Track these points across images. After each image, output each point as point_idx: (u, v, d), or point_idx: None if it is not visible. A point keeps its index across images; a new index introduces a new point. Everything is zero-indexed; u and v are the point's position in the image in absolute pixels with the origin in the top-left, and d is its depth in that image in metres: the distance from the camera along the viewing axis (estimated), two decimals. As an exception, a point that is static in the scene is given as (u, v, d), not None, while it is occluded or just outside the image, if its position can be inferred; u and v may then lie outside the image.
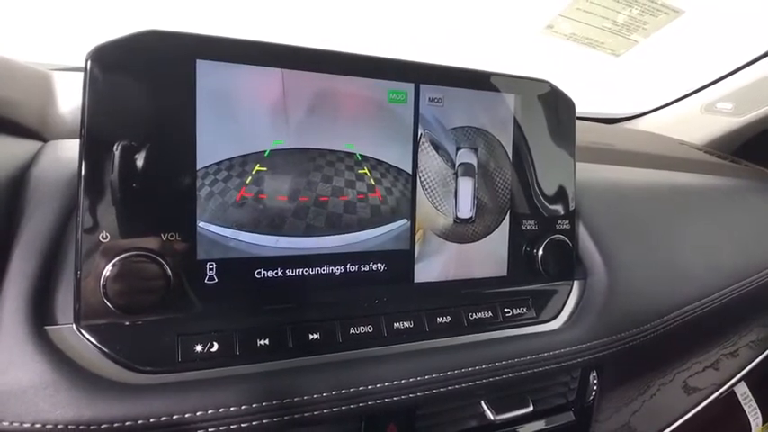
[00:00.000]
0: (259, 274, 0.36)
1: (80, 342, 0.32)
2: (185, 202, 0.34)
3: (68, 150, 0.38)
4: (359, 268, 0.40)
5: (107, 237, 0.32)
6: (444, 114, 0.43)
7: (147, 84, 0.33)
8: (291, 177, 0.37)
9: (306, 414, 0.36)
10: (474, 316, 0.45)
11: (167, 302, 0.33)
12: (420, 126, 0.41)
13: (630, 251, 0.55)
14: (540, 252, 0.47)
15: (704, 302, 0.61)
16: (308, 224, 0.38)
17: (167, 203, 0.33)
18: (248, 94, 0.35)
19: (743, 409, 0.94)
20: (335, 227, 0.39)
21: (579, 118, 0.51)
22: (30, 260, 0.32)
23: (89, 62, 0.31)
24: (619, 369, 0.55)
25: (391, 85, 0.40)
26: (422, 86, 0.41)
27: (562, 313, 0.50)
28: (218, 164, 0.35)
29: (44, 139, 0.41)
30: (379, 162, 0.40)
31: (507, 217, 0.46)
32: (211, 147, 0.34)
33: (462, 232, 0.44)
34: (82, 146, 0.31)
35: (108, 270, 0.31)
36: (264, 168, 0.36)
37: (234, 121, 0.35)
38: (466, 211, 0.44)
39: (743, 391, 0.94)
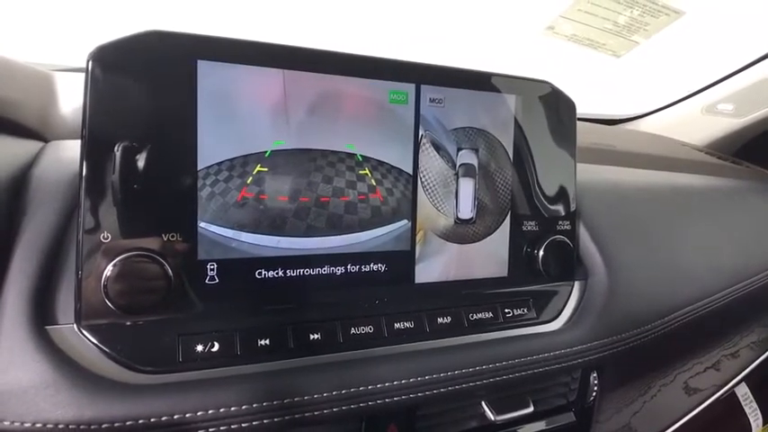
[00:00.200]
0: (260, 274, 0.36)
1: (81, 342, 0.32)
2: (186, 202, 0.34)
3: (69, 151, 0.38)
4: (360, 269, 0.40)
5: (108, 237, 0.32)
6: (445, 115, 0.43)
7: (148, 84, 0.33)
8: (292, 178, 0.37)
9: (306, 414, 0.36)
10: (475, 316, 0.45)
11: (168, 302, 0.33)
12: (421, 127, 0.41)
13: (631, 252, 0.55)
14: (541, 253, 0.47)
15: (705, 303, 0.61)
16: (309, 224, 0.38)
17: (168, 204, 0.33)
18: (249, 95, 0.35)
19: (743, 410, 0.94)
20: (336, 227, 0.39)
21: (580, 119, 0.51)
22: (31, 260, 0.32)
23: (90, 62, 0.31)
24: (619, 370, 0.55)
25: (392, 85, 0.40)
26: (423, 87, 0.41)
27: (563, 314, 0.50)
28: (219, 164, 0.35)
29: (45, 140, 0.41)
30: (380, 163, 0.40)
31: (508, 218, 0.46)
32: (212, 147, 0.34)
33: (463, 233, 0.44)
34: (83, 146, 0.31)
35: (109, 270, 0.31)
36: (265, 169, 0.36)
37: (235, 121, 0.35)
38: (467, 211, 0.44)
39: (743, 392, 0.94)
